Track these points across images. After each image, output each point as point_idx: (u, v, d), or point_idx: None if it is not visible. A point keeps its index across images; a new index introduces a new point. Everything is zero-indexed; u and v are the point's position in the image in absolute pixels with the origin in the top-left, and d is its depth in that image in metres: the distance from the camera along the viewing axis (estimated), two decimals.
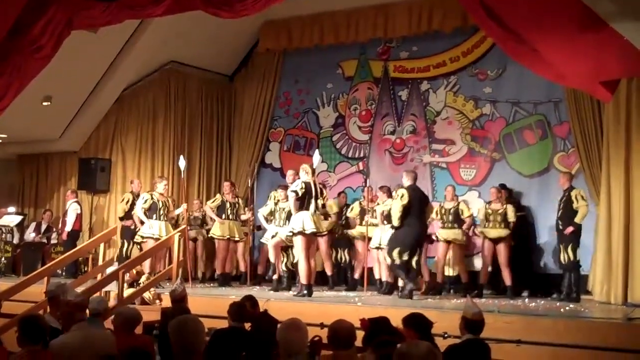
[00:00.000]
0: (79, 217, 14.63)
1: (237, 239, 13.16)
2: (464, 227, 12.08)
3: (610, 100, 10.68)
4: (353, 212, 12.70)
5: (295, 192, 10.62)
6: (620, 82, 10.57)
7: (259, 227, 13.70)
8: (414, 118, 14.09)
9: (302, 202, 10.63)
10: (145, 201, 12.36)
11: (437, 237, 12.16)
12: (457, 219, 12.08)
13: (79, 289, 8.98)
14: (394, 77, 14.41)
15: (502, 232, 11.60)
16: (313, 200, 10.66)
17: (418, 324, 5.72)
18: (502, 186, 12.27)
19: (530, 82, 12.53)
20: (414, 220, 10.70)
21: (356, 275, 12.55)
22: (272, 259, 12.12)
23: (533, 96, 12.87)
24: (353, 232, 12.70)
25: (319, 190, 10.86)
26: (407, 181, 10.94)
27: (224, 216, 13.10)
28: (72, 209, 14.51)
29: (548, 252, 12.33)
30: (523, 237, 12.09)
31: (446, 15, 13.19)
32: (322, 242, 11.91)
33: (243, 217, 13.38)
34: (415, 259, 10.60)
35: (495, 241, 11.62)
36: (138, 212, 12.53)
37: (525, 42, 9.82)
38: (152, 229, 12.23)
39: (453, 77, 13.79)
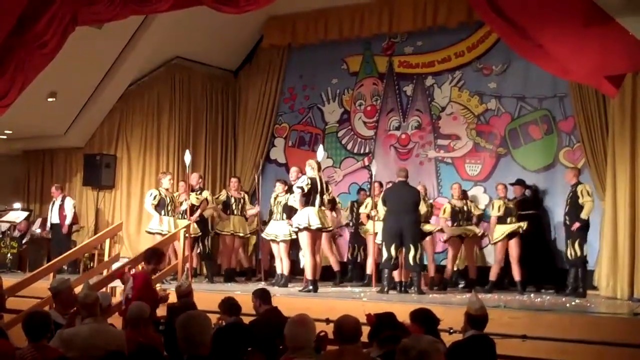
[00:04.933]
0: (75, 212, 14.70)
1: (241, 234, 13.16)
2: (475, 223, 12.15)
3: (615, 94, 10.67)
4: (365, 208, 12.68)
5: (302, 188, 10.66)
6: (625, 77, 10.56)
7: (265, 223, 13.70)
8: (419, 113, 14.07)
9: (308, 197, 10.65)
10: (155, 197, 12.41)
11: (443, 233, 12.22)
12: (469, 217, 12.14)
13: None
14: (398, 73, 14.39)
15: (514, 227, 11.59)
16: (319, 196, 10.68)
17: (424, 319, 5.73)
18: (519, 181, 12.26)
19: (535, 77, 12.52)
20: (387, 215, 10.96)
21: (368, 271, 12.53)
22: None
23: (538, 91, 12.85)
24: (364, 227, 12.71)
25: (324, 185, 10.86)
26: (396, 179, 11.26)
27: (228, 212, 13.13)
28: (72, 204, 14.44)
29: (553, 248, 12.31)
30: (531, 233, 12.03)
31: (451, 10, 13.17)
32: (325, 237, 11.98)
33: (250, 212, 13.36)
34: (411, 254, 10.61)
35: (509, 237, 11.56)
36: (148, 208, 12.55)
37: (530, 36, 9.81)
38: (162, 225, 12.26)
39: (458, 72, 13.77)
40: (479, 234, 12.28)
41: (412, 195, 10.98)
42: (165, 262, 9.44)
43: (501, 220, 11.60)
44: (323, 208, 10.88)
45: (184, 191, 12.80)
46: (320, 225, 10.63)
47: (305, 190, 10.63)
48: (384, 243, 10.88)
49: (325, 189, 10.92)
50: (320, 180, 10.81)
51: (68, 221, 14.33)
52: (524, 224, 11.52)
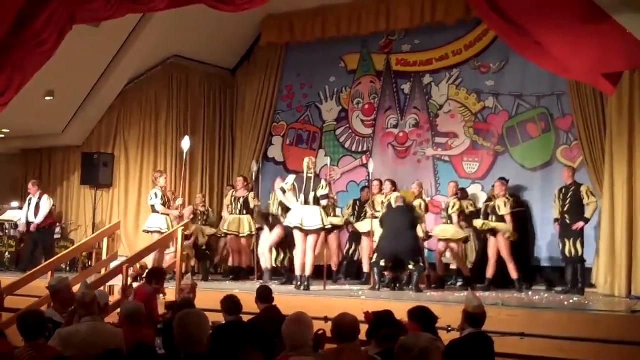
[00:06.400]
0: (51, 213, 14.41)
1: (238, 233, 13.13)
2: (454, 221, 12.04)
3: (613, 92, 10.67)
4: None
5: (282, 189, 10.96)
6: (623, 75, 10.55)
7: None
8: (417, 111, 14.07)
9: (296, 197, 10.78)
10: (160, 197, 12.37)
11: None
12: (450, 215, 12.07)
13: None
14: (396, 71, 14.39)
15: (497, 225, 11.48)
16: (308, 195, 10.69)
17: (423, 317, 5.73)
18: (501, 179, 12.22)
19: (533, 75, 12.51)
20: (384, 235, 11.20)
21: (365, 269, 12.51)
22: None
23: (536, 89, 12.85)
24: (359, 226, 12.69)
25: (312, 184, 10.79)
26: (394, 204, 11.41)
27: (230, 210, 13.18)
28: (48, 204, 14.16)
29: (552, 245, 12.31)
30: (526, 230, 12.02)
31: (449, 7, 13.15)
32: (332, 236, 12.04)
33: (252, 204, 13.26)
34: (411, 267, 10.87)
35: (494, 235, 11.53)
36: (158, 209, 12.43)
37: (528, 34, 9.81)
38: (159, 223, 12.25)
39: (455, 70, 13.76)
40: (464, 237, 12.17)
41: (408, 221, 11.14)
42: (165, 280, 9.26)
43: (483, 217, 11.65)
44: (321, 206, 10.91)
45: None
46: (299, 224, 10.69)
47: (287, 190, 10.85)
48: (375, 253, 11.18)
49: (316, 186, 10.82)
50: (312, 179, 10.79)
51: (39, 220, 13.89)
52: (505, 227, 11.43)
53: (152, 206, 12.44)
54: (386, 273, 11.29)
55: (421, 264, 10.89)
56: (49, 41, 9.90)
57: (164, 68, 15.20)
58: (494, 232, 11.48)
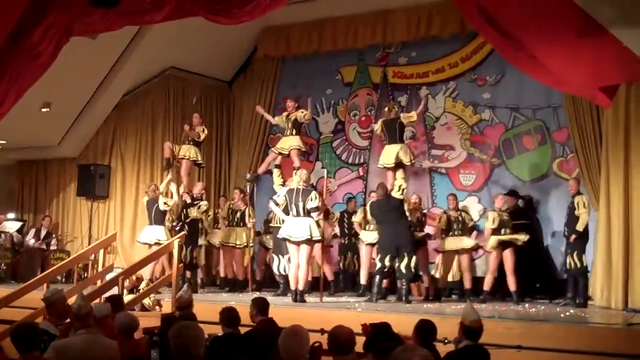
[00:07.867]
0: None
1: (233, 245, 13.12)
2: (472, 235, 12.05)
3: (609, 105, 10.69)
4: (357, 217, 12.63)
5: (275, 201, 11.07)
6: (619, 88, 10.58)
7: (259, 233, 13.70)
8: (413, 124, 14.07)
9: (286, 210, 10.86)
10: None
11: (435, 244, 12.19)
12: (464, 227, 12.04)
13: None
14: (392, 83, 14.42)
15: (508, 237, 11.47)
16: (299, 207, 10.68)
17: (425, 332, 5.72)
18: (511, 192, 12.22)
19: (529, 87, 12.54)
20: (379, 226, 11.40)
21: (362, 281, 12.48)
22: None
23: (532, 102, 12.88)
24: (362, 235, 12.66)
25: (302, 195, 10.76)
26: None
27: (227, 222, 13.19)
28: None
29: (547, 258, 12.30)
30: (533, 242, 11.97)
31: (445, 21, 13.21)
32: (318, 248, 11.96)
33: (247, 219, 13.24)
34: (404, 262, 10.86)
35: (504, 247, 11.51)
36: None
37: (523, 48, 9.83)
38: (156, 235, 12.24)
39: (452, 82, 13.80)
40: (473, 246, 12.13)
41: (395, 205, 11.15)
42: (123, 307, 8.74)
43: (495, 231, 11.52)
44: (315, 218, 10.87)
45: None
46: (287, 236, 10.70)
47: (280, 203, 10.99)
48: (379, 254, 11.09)
49: (305, 198, 10.78)
50: (298, 190, 10.78)
51: None
52: (523, 237, 11.42)
53: (165, 212, 12.46)
54: (384, 284, 11.29)
55: (412, 270, 10.90)
56: (45, 53, 9.90)
57: (161, 80, 15.23)
58: (505, 245, 11.46)
